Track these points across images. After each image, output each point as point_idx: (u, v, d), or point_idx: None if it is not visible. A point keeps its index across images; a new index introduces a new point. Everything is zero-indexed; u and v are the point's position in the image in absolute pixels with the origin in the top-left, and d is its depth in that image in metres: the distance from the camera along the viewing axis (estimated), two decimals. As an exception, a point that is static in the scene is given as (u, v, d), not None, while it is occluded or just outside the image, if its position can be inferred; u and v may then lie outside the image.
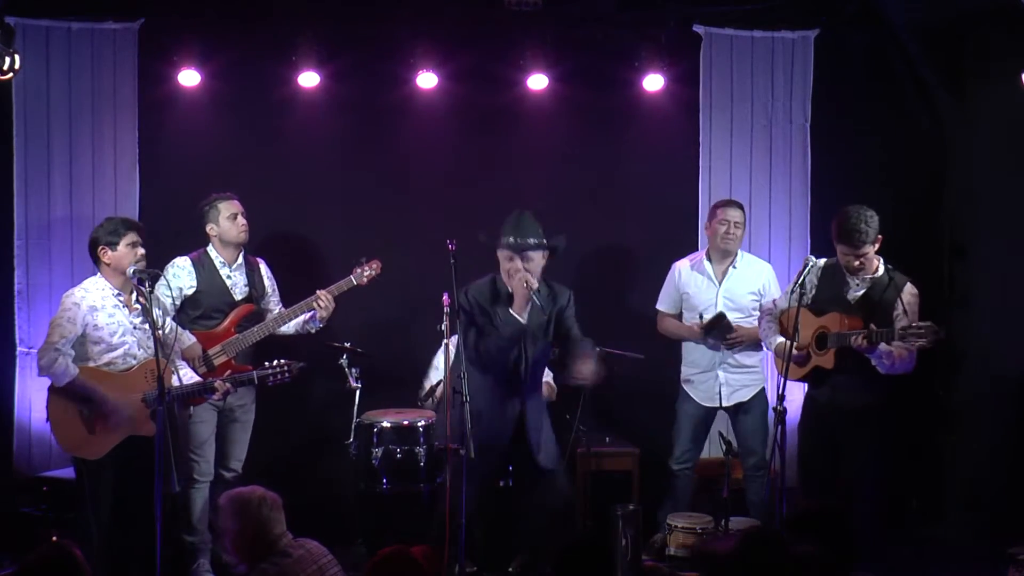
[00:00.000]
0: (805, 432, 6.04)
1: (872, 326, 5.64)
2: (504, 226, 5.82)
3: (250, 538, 4.46)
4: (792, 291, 5.81)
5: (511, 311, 5.76)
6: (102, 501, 5.59)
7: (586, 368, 5.80)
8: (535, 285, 5.68)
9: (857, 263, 5.79)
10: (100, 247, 5.66)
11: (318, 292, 6.30)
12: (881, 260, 5.88)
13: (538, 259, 5.76)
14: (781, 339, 5.97)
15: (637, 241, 7.30)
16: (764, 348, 6.36)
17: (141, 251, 5.66)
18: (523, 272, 5.69)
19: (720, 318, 6.45)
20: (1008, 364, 6.85)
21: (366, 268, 6.40)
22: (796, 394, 6.19)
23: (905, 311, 5.71)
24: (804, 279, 5.74)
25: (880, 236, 5.80)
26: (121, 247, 5.62)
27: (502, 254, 5.80)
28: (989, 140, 7.04)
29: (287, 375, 5.88)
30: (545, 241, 5.77)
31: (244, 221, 6.28)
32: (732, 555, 3.88)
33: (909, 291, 5.80)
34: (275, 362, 5.90)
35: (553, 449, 5.99)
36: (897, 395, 5.97)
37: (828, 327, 5.78)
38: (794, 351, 5.73)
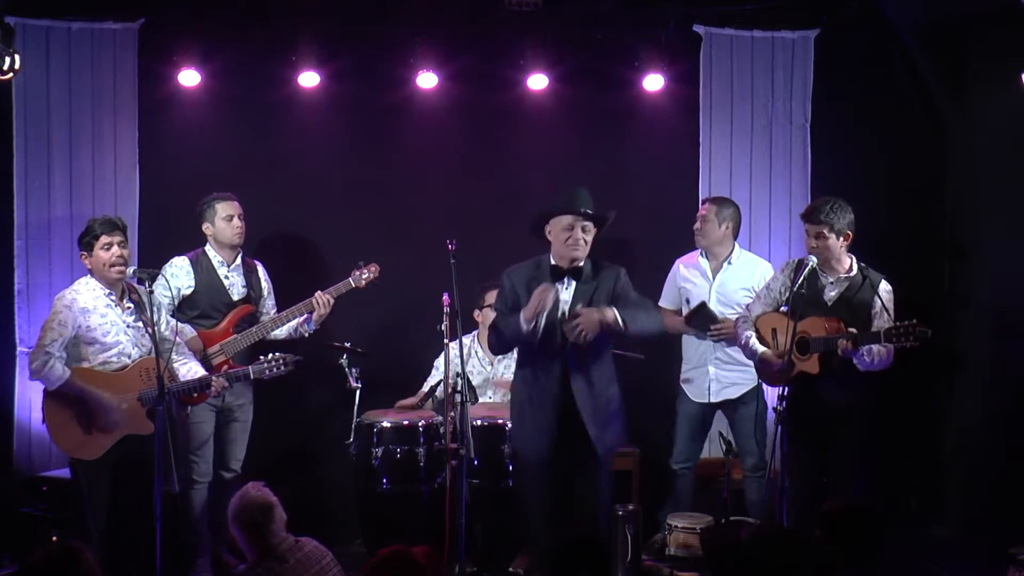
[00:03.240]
0: (791, 433, 6.02)
1: (853, 330, 5.63)
2: (564, 198, 5.71)
3: (249, 542, 4.51)
4: (784, 292, 5.81)
5: (521, 315, 5.58)
6: (99, 501, 5.59)
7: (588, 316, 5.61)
8: (550, 299, 5.55)
9: (815, 243, 5.78)
10: (81, 253, 5.69)
11: (317, 293, 6.30)
12: (854, 259, 5.86)
13: (591, 230, 5.69)
14: (761, 348, 5.96)
15: (637, 241, 7.28)
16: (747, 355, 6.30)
17: (117, 251, 5.63)
18: (550, 287, 5.57)
19: (701, 307, 6.47)
20: (1008, 364, 6.85)
21: (364, 271, 6.41)
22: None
23: (884, 308, 5.71)
24: (803, 279, 5.71)
25: (849, 233, 5.77)
26: (96, 251, 5.63)
27: (560, 223, 5.65)
28: (989, 140, 7.03)
29: (282, 368, 5.88)
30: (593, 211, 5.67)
31: (240, 224, 6.28)
32: (743, 550, 3.87)
33: (884, 288, 5.81)
34: (270, 356, 5.91)
35: (611, 433, 5.78)
36: (895, 395, 5.96)
37: (809, 332, 5.77)
38: (777, 359, 5.72)
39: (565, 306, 5.67)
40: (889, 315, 5.69)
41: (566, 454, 5.74)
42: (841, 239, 5.77)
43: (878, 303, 5.73)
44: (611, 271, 5.80)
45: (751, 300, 6.24)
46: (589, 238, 5.68)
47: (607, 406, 5.77)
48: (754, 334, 6.02)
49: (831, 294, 5.84)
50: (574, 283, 5.70)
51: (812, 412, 5.82)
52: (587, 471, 5.77)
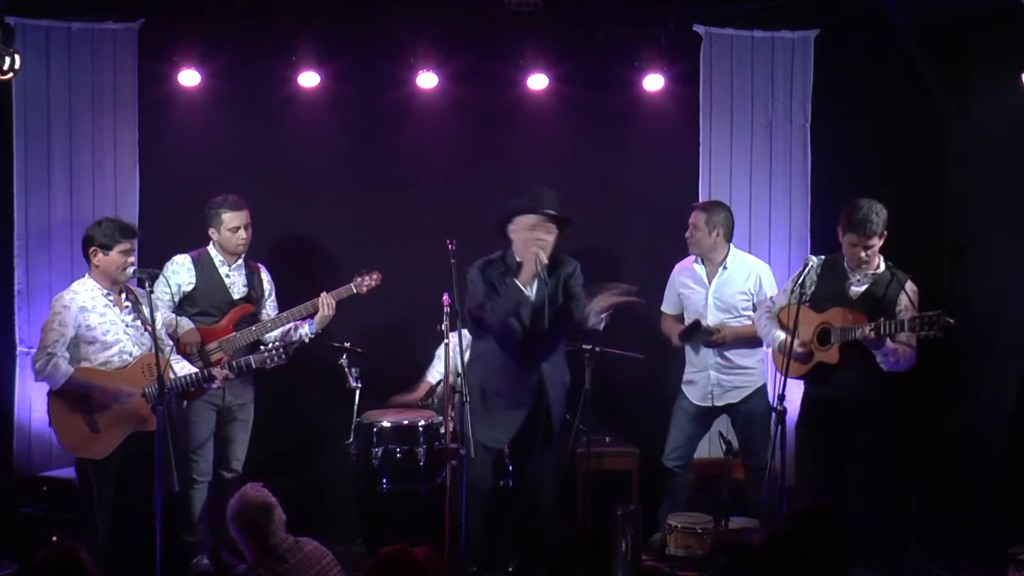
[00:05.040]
0: (804, 431, 6.03)
1: (880, 319, 5.64)
2: (527, 197, 5.87)
3: (248, 543, 4.52)
4: (792, 291, 5.81)
5: (516, 281, 5.83)
6: (108, 500, 5.60)
7: (603, 303, 5.80)
8: (545, 259, 5.73)
9: (864, 254, 5.79)
10: (92, 248, 5.66)
11: (323, 294, 6.30)
12: (882, 257, 5.88)
13: (554, 231, 5.85)
14: (783, 335, 5.96)
15: (637, 241, 7.30)
16: (764, 347, 6.36)
17: (132, 259, 5.67)
18: (538, 244, 5.75)
19: (695, 326, 6.48)
20: (1007, 364, 6.85)
21: (366, 278, 6.41)
22: (795, 394, 6.19)
23: (912, 304, 5.72)
24: (804, 279, 5.73)
25: (885, 232, 5.81)
26: (113, 254, 5.63)
27: (523, 222, 5.84)
28: (989, 140, 7.04)
29: (283, 356, 5.91)
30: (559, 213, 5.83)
31: (244, 235, 6.26)
32: (757, 551, 3.87)
33: (911, 288, 5.82)
34: (270, 344, 5.96)
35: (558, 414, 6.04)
36: (897, 394, 5.98)
37: (831, 323, 5.78)
38: (798, 348, 5.72)
39: (536, 302, 5.83)
40: (915, 311, 5.69)
41: (527, 443, 5.95)
42: (882, 239, 5.81)
43: (904, 300, 5.74)
44: (568, 264, 5.97)
45: (754, 311, 6.27)
46: (551, 239, 5.81)
47: (563, 391, 6.07)
48: (776, 325, 6.03)
49: (858, 289, 5.86)
50: (543, 280, 5.81)
51: (828, 406, 5.83)
52: (542, 457, 6.00)
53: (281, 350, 5.91)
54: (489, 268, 5.91)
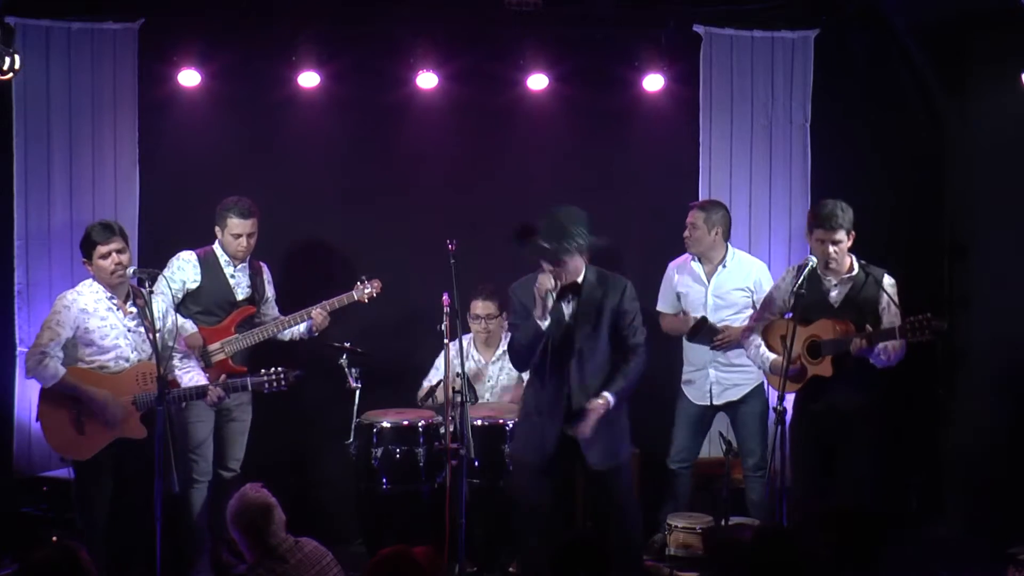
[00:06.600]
0: (798, 434, 6.01)
1: (868, 327, 5.63)
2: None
3: (248, 543, 4.52)
4: (789, 297, 5.77)
5: (535, 317, 5.40)
6: (93, 501, 5.61)
7: (583, 427, 5.45)
8: (548, 285, 5.33)
9: (832, 250, 5.75)
10: (83, 258, 5.68)
11: (314, 312, 6.33)
12: (854, 257, 5.86)
13: (571, 262, 5.39)
14: (772, 356, 5.93)
15: (636, 241, 7.29)
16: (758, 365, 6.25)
17: (115, 259, 5.57)
18: (545, 275, 5.36)
19: (702, 323, 6.47)
20: (1008, 364, 6.85)
21: (367, 286, 6.43)
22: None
23: (892, 301, 5.71)
24: (802, 279, 5.68)
25: (853, 232, 5.78)
26: (95, 260, 5.60)
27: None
28: (989, 140, 7.03)
29: (283, 384, 5.86)
30: (566, 244, 5.32)
31: (245, 243, 6.26)
32: (746, 549, 3.89)
33: (888, 282, 5.80)
34: (271, 370, 5.87)
35: (611, 447, 5.61)
36: (895, 395, 5.98)
37: (819, 335, 5.75)
38: (789, 366, 5.66)
39: (559, 325, 5.48)
40: (897, 308, 5.68)
41: (569, 465, 5.65)
42: (850, 238, 5.78)
43: (884, 298, 5.73)
44: (616, 285, 5.55)
45: (753, 309, 6.26)
46: (569, 270, 5.40)
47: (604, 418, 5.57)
48: (763, 343, 6.00)
49: (836, 295, 5.82)
50: (576, 298, 5.50)
51: (823, 414, 5.82)
52: (600, 482, 5.65)
53: (282, 378, 5.84)
54: (520, 289, 5.56)
